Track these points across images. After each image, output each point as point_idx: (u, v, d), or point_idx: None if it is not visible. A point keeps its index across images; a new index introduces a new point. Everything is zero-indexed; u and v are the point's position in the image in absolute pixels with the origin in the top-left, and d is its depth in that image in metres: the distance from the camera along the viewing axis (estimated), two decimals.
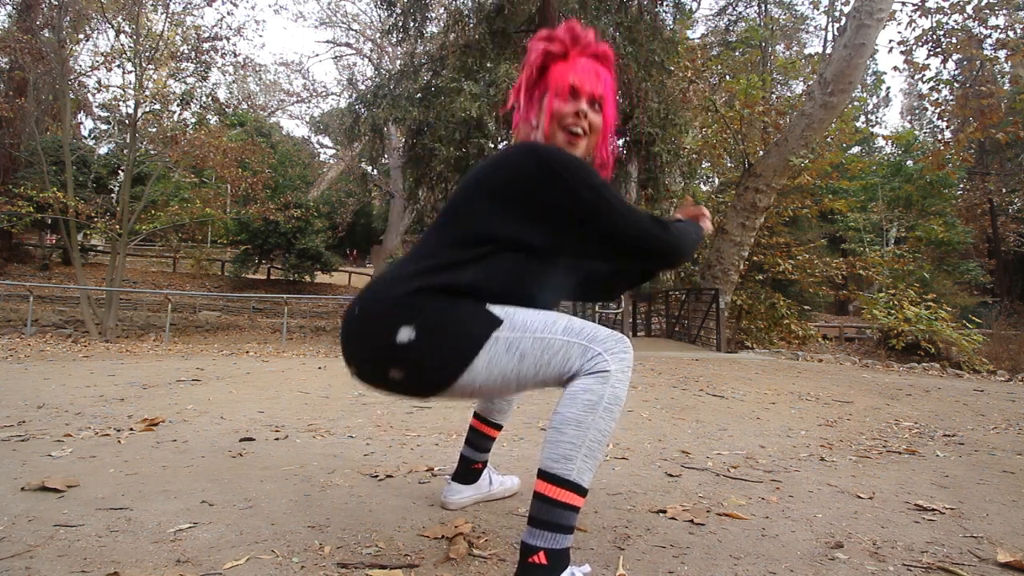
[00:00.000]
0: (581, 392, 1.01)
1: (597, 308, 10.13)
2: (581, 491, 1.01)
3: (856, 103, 16.67)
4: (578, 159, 1.10)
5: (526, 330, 1.05)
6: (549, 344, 1.04)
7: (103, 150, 20.20)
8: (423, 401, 1.17)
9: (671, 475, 1.93)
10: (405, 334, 1.02)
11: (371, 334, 1.07)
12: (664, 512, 1.51)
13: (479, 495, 1.55)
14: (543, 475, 1.02)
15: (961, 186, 21.47)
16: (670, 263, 1.23)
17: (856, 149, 22.79)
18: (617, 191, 1.11)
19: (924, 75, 11.18)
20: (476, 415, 1.53)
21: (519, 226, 1.09)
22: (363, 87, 17.15)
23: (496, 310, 1.06)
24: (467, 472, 1.53)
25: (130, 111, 11.62)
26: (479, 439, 1.52)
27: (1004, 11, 9.93)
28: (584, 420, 1.00)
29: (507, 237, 1.09)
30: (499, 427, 1.53)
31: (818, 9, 15.22)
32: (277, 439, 2.39)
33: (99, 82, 14.53)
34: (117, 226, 11.26)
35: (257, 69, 21.36)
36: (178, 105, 12.96)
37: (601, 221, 1.08)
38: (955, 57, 11.00)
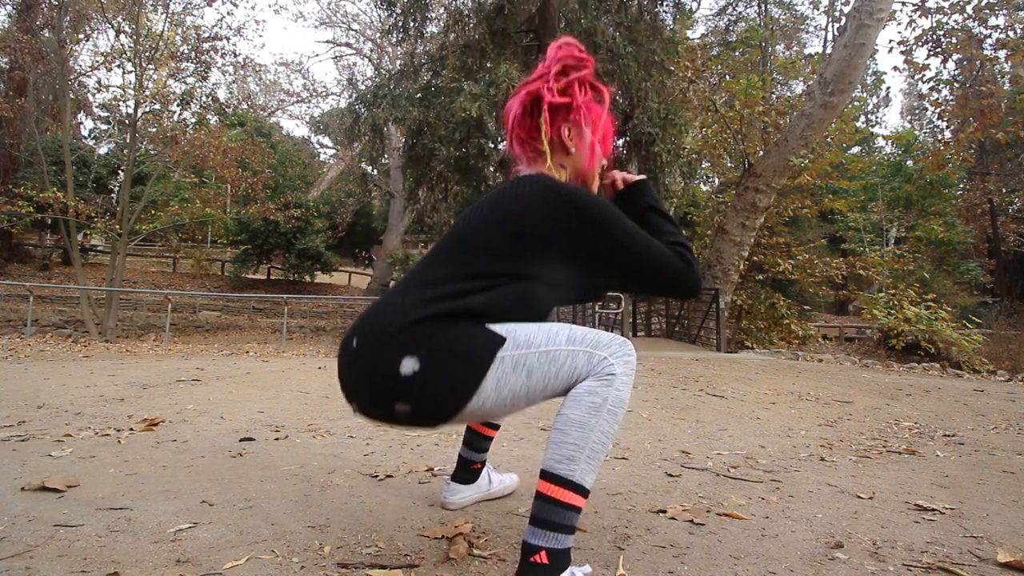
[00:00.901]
0: (586, 394, 1.02)
1: (597, 308, 10.13)
2: (583, 492, 1.01)
3: (856, 103, 16.67)
4: (608, 203, 1.14)
5: (530, 345, 1.04)
6: (555, 356, 1.04)
7: (103, 150, 20.23)
8: (432, 430, 1.17)
9: (671, 475, 1.93)
10: (409, 365, 0.99)
11: (373, 368, 1.03)
12: (664, 512, 1.51)
13: (479, 494, 1.55)
14: (545, 475, 1.02)
15: (961, 186, 21.47)
16: (691, 294, 1.24)
17: (856, 149, 22.80)
18: (643, 232, 1.14)
19: (924, 75, 11.18)
20: None
21: (543, 265, 1.09)
22: (363, 87, 17.17)
23: (497, 328, 1.04)
24: (466, 472, 1.52)
25: (130, 111, 11.63)
26: (477, 439, 1.51)
27: (1004, 11, 9.93)
28: (588, 422, 1.00)
29: (526, 273, 1.08)
30: (496, 427, 1.53)
31: (818, 9, 15.24)
32: (277, 439, 2.39)
33: (99, 82, 14.54)
34: (117, 226, 11.25)
35: (257, 69, 21.38)
36: (178, 105, 12.97)
37: (632, 261, 1.12)
38: (955, 57, 10.99)
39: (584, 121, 1.21)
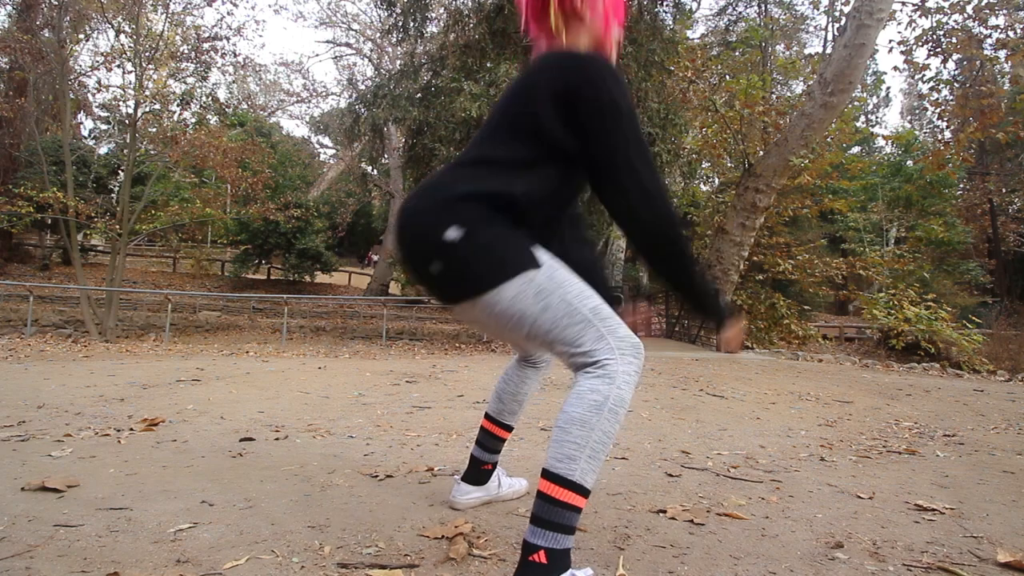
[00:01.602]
0: (588, 392, 1.02)
1: None
2: (584, 492, 1.01)
3: (856, 103, 16.66)
4: (627, 93, 1.14)
5: (560, 287, 1.07)
6: (574, 312, 1.05)
7: (103, 150, 20.23)
8: (447, 307, 1.21)
9: (671, 475, 1.93)
10: (453, 233, 1.05)
11: (424, 225, 1.10)
12: (664, 512, 1.51)
13: (487, 496, 1.54)
14: (546, 475, 1.02)
15: (961, 186, 21.46)
16: (649, 234, 1.10)
17: (856, 149, 22.80)
18: (648, 149, 1.12)
19: (924, 75, 11.17)
20: (487, 416, 1.52)
21: (567, 136, 1.10)
22: (363, 87, 17.14)
23: (542, 255, 1.09)
24: (477, 473, 1.52)
25: (130, 111, 11.60)
26: (489, 440, 1.51)
27: (1004, 11, 9.92)
28: (589, 421, 1.01)
29: (558, 143, 1.11)
30: (509, 428, 1.52)
31: (818, 9, 15.21)
32: (277, 439, 2.39)
33: (99, 82, 14.51)
34: (117, 226, 11.25)
35: (257, 69, 21.34)
36: (178, 105, 12.94)
37: (619, 159, 1.08)
38: (955, 57, 10.97)
39: None
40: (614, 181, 1.09)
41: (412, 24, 10.65)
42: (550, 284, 1.06)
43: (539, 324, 1.06)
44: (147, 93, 11.50)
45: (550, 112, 1.09)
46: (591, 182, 1.15)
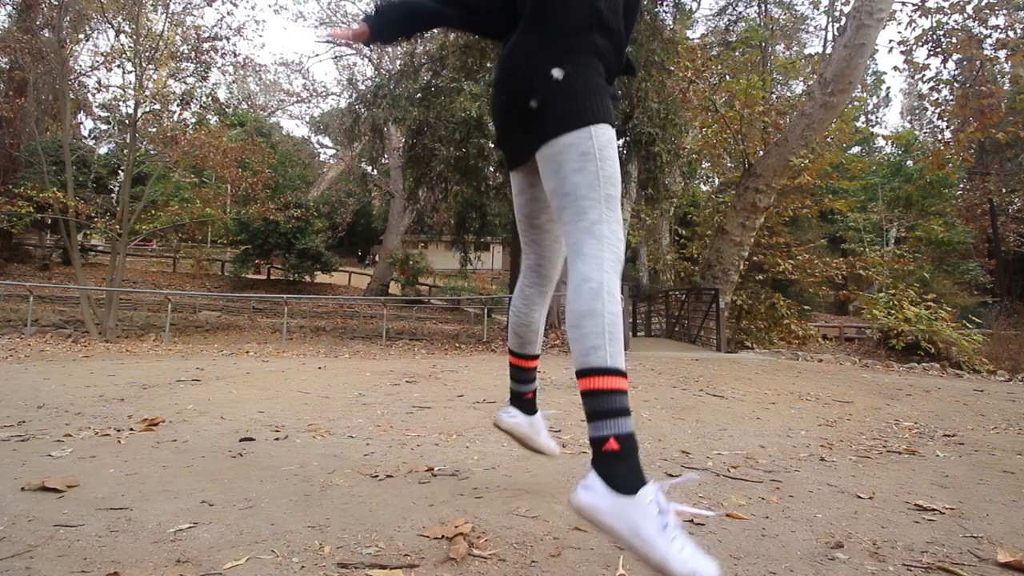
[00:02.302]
0: (582, 282, 1.10)
1: None
2: (620, 372, 1.06)
3: (856, 103, 16.66)
4: None
5: (603, 160, 1.17)
6: (597, 186, 1.15)
7: (103, 150, 20.25)
8: (519, 153, 1.36)
9: (671, 475, 1.93)
10: (558, 72, 1.19)
11: (530, 66, 1.22)
12: None
13: (527, 431, 1.60)
14: (581, 373, 1.06)
15: (961, 186, 21.47)
16: None
17: (856, 149, 22.81)
18: None
19: (924, 75, 11.18)
20: (511, 352, 1.60)
21: None
22: (363, 87, 17.15)
23: (606, 126, 1.20)
24: (520, 402, 1.60)
25: (130, 111, 11.61)
26: (520, 372, 1.60)
27: (1004, 11, 9.92)
28: (594, 308, 1.07)
29: None
30: (535, 357, 1.60)
31: (818, 9, 15.21)
32: (277, 439, 2.39)
33: (99, 82, 14.53)
34: (117, 226, 11.25)
35: (257, 69, 21.33)
36: (178, 105, 12.96)
37: None
38: (955, 57, 10.97)
39: None
40: None
41: None
42: (610, 152, 1.18)
43: (572, 169, 1.15)
44: (147, 93, 11.51)
45: None
46: None
